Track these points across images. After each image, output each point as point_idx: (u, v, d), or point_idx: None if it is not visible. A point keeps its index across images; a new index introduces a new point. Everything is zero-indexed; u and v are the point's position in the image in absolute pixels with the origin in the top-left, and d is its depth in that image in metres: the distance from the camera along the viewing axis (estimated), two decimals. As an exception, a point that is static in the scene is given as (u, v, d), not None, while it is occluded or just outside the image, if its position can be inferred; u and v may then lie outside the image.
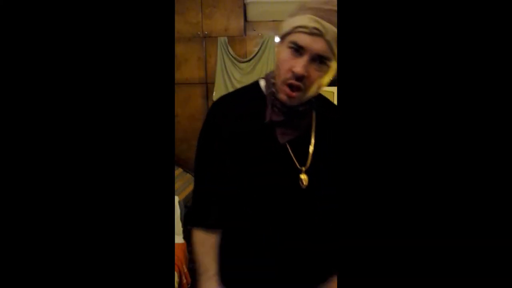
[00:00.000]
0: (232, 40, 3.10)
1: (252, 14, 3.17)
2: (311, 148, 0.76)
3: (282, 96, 0.71)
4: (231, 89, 3.14)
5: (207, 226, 0.80)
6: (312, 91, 0.71)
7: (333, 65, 0.69)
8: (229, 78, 3.13)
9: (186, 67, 3.16)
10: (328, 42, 0.65)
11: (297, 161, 0.74)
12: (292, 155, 0.74)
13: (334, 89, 3.15)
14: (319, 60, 0.67)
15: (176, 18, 3.09)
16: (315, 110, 0.79)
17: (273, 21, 3.13)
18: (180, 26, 3.12)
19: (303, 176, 0.74)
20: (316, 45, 0.66)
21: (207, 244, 0.80)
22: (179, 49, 3.12)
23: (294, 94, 0.69)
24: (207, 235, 0.80)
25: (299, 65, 0.66)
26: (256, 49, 3.08)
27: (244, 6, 3.14)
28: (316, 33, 0.65)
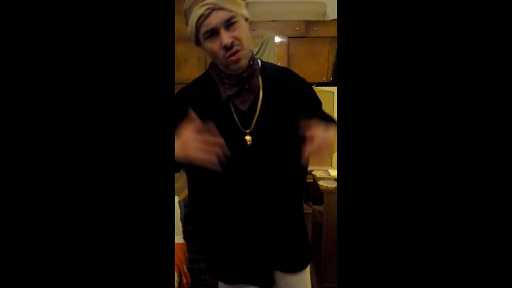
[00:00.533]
0: (232, 40, 3.10)
1: (252, 13, 3.16)
2: (256, 113, 0.90)
3: (233, 67, 0.83)
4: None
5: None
6: (246, 43, 0.83)
7: (240, 10, 0.81)
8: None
9: (186, 67, 3.16)
10: (223, 7, 0.77)
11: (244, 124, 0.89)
12: (236, 118, 0.89)
13: (334, 89, 3.16)
14: (229, 23, 0.79)
15: (176, 18, 3.06)
16: (260, 73, 0.91)
17: (273, 21, 3.13)
18: (180, 26, 3.08)
19: (247, 137, 0.89)
20: (218, 17, 0.78)
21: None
22: (179, 49, 3.12)
23: (237, 56, 0.81)
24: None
25: (223, 40, 0.79)
26: (256, 49, 3.07)
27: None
28: (212, 8, 0.77)
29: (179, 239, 1.87)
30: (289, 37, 3.09)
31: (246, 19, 0.85)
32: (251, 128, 0.90)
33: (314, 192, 2.31)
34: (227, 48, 0.80)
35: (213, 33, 0.80)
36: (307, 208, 3.16)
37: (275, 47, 3.07)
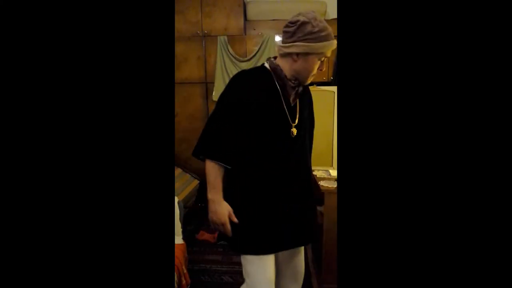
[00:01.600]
0: (232, 39, 3.09)
1: (252, 13, 3.16)
2: (297, 111, 1.20)
3: (307, 80, 1.18)
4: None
5: (214, 159, 1.16)
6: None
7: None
8: (228, 77, 3.12)
9: (186, 67, 3.15)
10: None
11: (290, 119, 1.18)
12: (288, 116, 1.17)
13: (335, 88, 3.16)
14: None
15: (176, 17, 3.07)
16: (302, 88, 1.21)
17: (273, 20, 3.12)
18: (180, 25, 3.11)
19: (293, 129, 1.18)
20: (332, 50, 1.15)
21: (215, 171, 1.16)
22: (179, 48, 3.11)
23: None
24: (216, 165, 1.16)
25: (322, 66, 1.17)
26: (256, 48, 3.07)
27: (244, 5, 3.13)
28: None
29: (178, 239, 1.86)
30: (289, 37, 3.08)
31: None
32: (296, 122, 1.18)
33: (315, 192, 2.30)
34: (321, 70, 1.16)
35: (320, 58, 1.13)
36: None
37: (275, 46, 3.06)
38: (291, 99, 1.19)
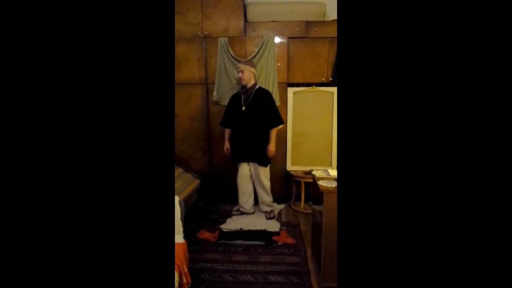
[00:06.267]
0: (232, 41, 3.10)
1: (252, 14, 3.18)
2: (248, 100, 2.90)
3: (241, 83, 2.94)
4: (230, 90, 3.14)
5: (224, 126, 3.05)
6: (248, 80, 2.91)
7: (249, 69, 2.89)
8: (229, 79, 3.14)
9: (187, 68, 3.17)
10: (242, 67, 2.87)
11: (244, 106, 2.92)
12: (242, 102, 2.92)
13: (334, 89, 3.18)
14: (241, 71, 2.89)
15: (176, 18, 3.09)
16: (256, 89, 2.91)
17: (273, 21, 3.14)
18: (180, 26, 3.13)
19: (243, 108, 2.89)
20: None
21: (226, 132, 3.07)
22: (180, 49, 3.13)
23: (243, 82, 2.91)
24: (225, 129, 3.07)
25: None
26: (256, 49, 3.09)
27: (244, 6, 3.15)
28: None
29: (179, 238, 1.88)
30: (288, 38, 3.10)
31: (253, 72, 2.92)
32: (246, 105, 2.88)
33: (314, 192, 2.32)
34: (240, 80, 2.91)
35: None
36: (307, 208, 3.17)
37: (275, 47, 3.08)
38: (244, 95, 2.92)
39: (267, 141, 2.89)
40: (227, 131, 3.02)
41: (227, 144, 3.03)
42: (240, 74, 2.80)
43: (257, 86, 2.88)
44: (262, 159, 2.93)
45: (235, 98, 2.95)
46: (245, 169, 3.00)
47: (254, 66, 2.87)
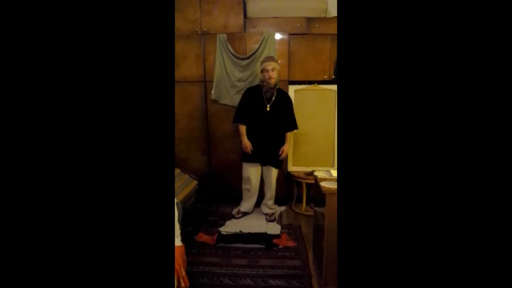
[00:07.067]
0: (232, 37, 3.04)
1: (252, 10, 3.11)
2: (272, 100, 2.78)
3: (268, 82, 2.74)
4: (230, 88, 3.07)
5: (239, 122, 2.84)
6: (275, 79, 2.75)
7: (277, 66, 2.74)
8: (228, 76, 3.07)
9: (185, 65, 3.10)
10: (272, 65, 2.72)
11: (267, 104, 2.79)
12: (265, 101, 2.78)
13: (335, 87, 3.11)
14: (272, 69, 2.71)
15: (176, 15, 3.02)
16: (277, 89, 2.81)
17: (274, 17, 3.07)
18: (179, 23, 3.06)
19: (267, 108, 2.76)
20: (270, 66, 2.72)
21: (242, 128, 2.81)
22: (178, 46, 3.06)
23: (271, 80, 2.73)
24: (241, 125, 2.82)
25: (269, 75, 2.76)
26: (256, 46, 3.02)
27: (244, 2, 3.08)
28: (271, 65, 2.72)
29: (177, 241, 1.82)
30: (290, 34, 3.03)
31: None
32: (270, 105, 2.75)
33: (316, 193, 2.25)
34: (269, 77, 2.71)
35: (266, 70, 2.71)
36: (309, 210, 3.10)
37: (275, 44, 3.01)
38: (267, 93, 2.78)
39: (281, 143, 2.80)
40: (243, 127, 2.79)
41: (247, 142, 2.78)
42: (271, 73, 2.62)
43: (277, 86, 2.78)
44: (278, 162, 2.85)
45: (253, 93, 2.77)
46: (256, 171, 2.89)
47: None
